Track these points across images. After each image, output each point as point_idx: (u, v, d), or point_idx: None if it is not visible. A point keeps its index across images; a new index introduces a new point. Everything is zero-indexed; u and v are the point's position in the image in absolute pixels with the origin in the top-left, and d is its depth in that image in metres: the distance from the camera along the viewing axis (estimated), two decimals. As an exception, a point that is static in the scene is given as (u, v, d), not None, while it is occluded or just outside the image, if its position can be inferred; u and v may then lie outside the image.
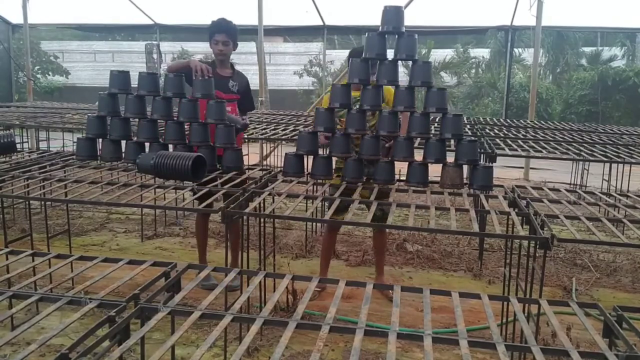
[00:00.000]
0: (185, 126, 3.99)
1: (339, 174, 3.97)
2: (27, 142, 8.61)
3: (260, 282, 2.36)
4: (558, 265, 5.15)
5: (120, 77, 3.98)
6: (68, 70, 21.21)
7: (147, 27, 12.04)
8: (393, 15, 3.67)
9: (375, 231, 4.49)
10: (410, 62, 3.78)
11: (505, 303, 3.22)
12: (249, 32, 11.38)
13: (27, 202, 4.66)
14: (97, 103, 4.18)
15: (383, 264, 4.55)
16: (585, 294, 4.53)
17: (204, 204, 3.37)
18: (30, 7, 10.39)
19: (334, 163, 3.95)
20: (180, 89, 3.93)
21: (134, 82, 4.02)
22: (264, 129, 6.37)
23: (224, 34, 4.26)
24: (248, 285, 2.32)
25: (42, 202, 4.84)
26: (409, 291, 2.26)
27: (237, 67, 4.61)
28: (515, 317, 2.06)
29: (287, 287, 3.47)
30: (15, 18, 11.35)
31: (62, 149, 7.60)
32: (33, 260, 2.48)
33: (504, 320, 3.38)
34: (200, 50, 20.51)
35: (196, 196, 3.51)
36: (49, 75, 20.86)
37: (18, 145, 7.24)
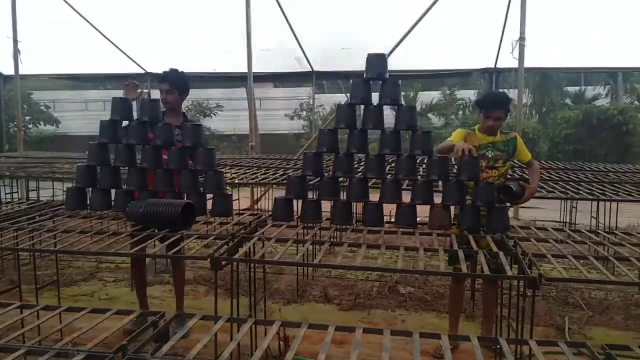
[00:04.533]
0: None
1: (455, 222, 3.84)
2: (17, 192, 8.59)
3: (250, 329, 2.35)
4: (550, 304, 5.14)
5: (110, 126, 4.03)
6: (59, 119, 21.29)
7: (138, 76, 12.19)
8: (376, 62, 3.77)
9: (486, 285, 4.26)
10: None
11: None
12: (239, 79, 11.60)
13: (15, 253, 4.63)
14: (87, 152, 4.21)
15: (493, 319, 4.10)
16: (578, 332, 4.51)
17: (139, 247, 3.37)
18: (21, 59, 10.52)
19: (452, 211, 3.84)
20: (170, 137, 3.99)
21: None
22: (254, 173, 6.40)
23: (166, 82, 4.26)
24: (238, 332, 2.31)
25: (31, 253, 4.81)
26: (398, 335, 2.26)
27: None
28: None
29: (277, 334, 3.44)
30: (7, 69, 11.50)
31: (52, 198, 7.58)
32: (21, 312, 2.47)
33: (497, 362, 3.36)
34: (190, 97, 20.68)
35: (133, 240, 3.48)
36: (40, 125, 20.94)
37: (7, 196, 7.25)
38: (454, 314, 4.23)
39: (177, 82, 4.28)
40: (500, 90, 9.31)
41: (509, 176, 4.26)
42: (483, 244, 3.51)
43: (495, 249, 3.26)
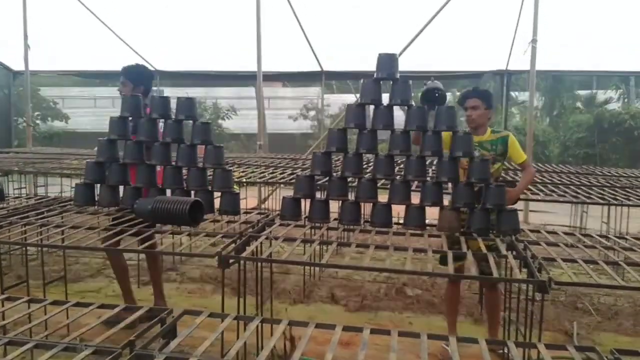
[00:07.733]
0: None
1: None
2: (25, 187, 8.62)
3: (257, 328, 2.34)
4: (559, 309, 5.09)
5: (120, 123, 4.03)
6: (68, 115, 21.36)
7: (148, 74, 12.20)
8: (387, 62, 3.76)
9: (487, 289, 4.22)
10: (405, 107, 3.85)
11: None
12: (249, 78, 11.57)
13: (24, 249, 4.65)
14: (96, 148, 4.21)
15: (497, 323, 4.07)
16: (587, 338, 4.47)
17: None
18: (31, 55, 10.55)
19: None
20: (179, 134, 3.98)
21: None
22: (262, 172, 6.39)
23: (122, 76, 4.37)
24: (245, 331, 2.30)
25: (39, 248, 4.82)
26: (406, 336, 2.24)
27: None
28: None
29: (284, 334, 3.43)
30: (17, 65, 11.53)
31: (60, 194, 7.60)
32: (29, 307, 2.47)
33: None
34: (199, 95, 20.78)
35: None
36: (49, 120, 21.03)
37: (16, 191, 7.27)
38: (452, 316, 4.21)
39: (129, 76, 4.36)
40: (513, 93, 9.23)
41: (500, 179, 4.20)
42: (473, 246, 3.48)
43: (485, 250, 3.24)
